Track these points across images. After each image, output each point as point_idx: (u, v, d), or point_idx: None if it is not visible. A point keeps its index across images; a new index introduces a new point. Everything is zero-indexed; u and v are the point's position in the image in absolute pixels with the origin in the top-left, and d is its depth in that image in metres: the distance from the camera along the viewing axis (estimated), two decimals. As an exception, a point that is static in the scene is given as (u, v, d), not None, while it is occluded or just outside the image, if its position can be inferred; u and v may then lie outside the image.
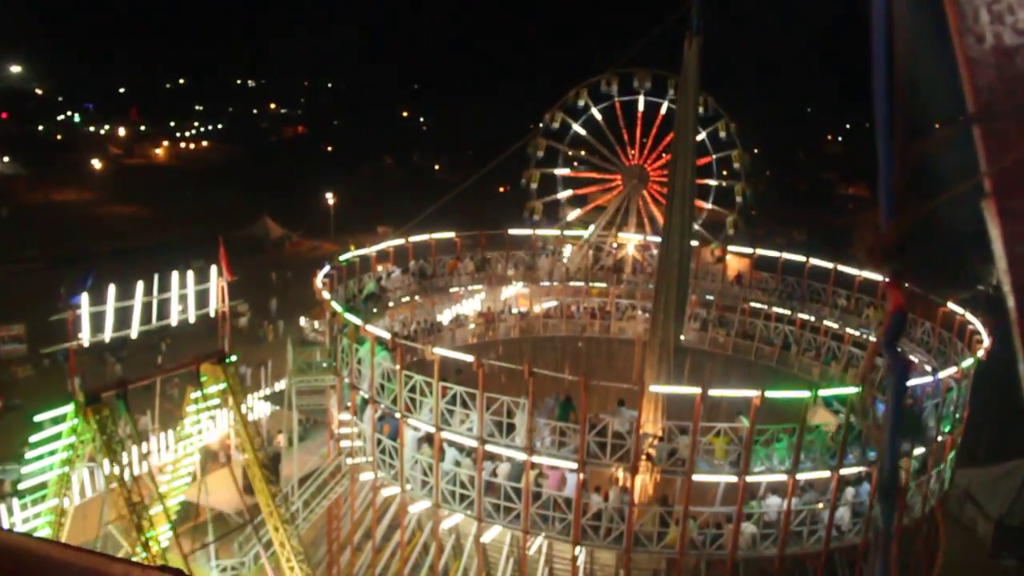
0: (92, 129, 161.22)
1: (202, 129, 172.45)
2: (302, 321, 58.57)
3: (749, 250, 40.03)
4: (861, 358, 35.14)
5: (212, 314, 24.59)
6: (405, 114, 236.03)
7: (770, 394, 20.92)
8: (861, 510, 23.06)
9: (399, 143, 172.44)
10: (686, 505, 21.42)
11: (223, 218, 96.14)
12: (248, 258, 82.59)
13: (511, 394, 38.35)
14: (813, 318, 37.22)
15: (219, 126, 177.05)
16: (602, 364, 40.63)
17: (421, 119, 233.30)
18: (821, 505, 22.39)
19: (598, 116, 63.55)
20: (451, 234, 40.31)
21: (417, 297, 36.32)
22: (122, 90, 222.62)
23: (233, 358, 20.79)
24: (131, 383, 19.93)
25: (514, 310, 40.03)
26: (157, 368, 19.96)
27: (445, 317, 38.82)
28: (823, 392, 21.27)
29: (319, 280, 29.62)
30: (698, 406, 20.69)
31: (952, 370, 24.24)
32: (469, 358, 21.91)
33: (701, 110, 63.99)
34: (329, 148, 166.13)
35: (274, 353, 56.78)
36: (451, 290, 38.20)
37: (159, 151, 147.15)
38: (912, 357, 32.71)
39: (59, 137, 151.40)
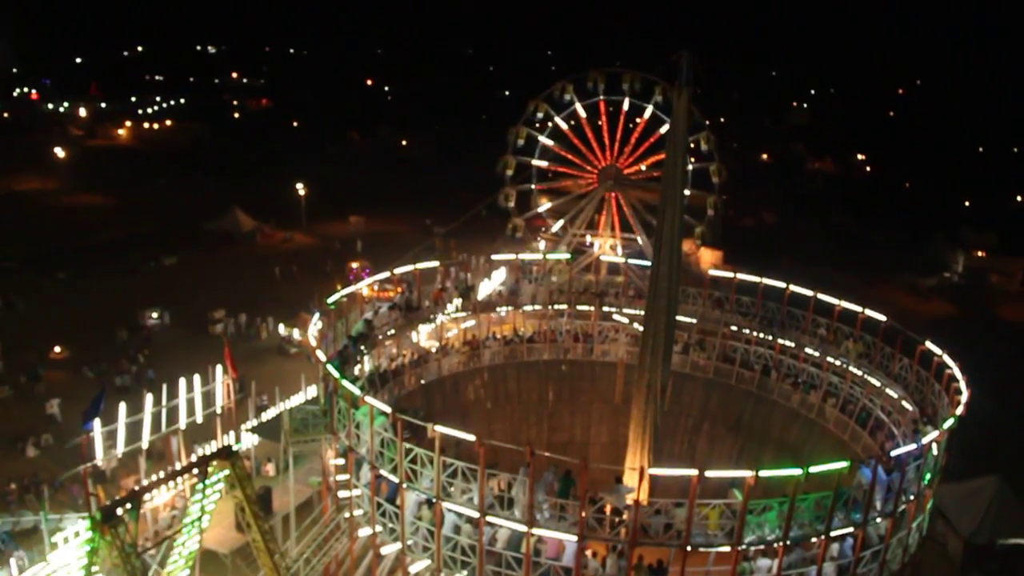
0: (51, 107, 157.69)
1: (164, 104, 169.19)
2: (281, 330, 58.43)
3: (730, 274, 40.47)
4: (840, 387, 36.08)
5: (219, 411, 24.53)
6: (369, 82, 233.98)
7: (764, 473, 21.57)
8: (845, 564, 23.99)
9: (365, 116, 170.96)
10: (682, 572, 22.18)
11: (192, 208, 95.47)
12: (220, 252, 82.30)
13: (502, 419, 39.25)
14: (793, 344, 38.01)
15: (181, 100, 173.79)
16: (585, 386, 41.42)
17: (386, 88, 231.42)
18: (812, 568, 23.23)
19: (582, 113, 64.01)
20: (435, 263, 40.42)
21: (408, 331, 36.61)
22: (79, 60, 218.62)
23: (237, 446, 20.98)
24: (144, 491, 20.13)
25: (497, 335, 40.37)
26: (168, 473, 20.08)
27: (422, 337, 39.31)
28: (814, 469, 21.95)
29: (312, 333, 29.80)
30: (694, 485, 21.30)
31: (935, 434, 25.09)
32: (471, 437, 22.27)
33: (660, 98, 64.48)
34: (295, 123, 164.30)
35: (261, 359, 56.91)
36: (437, 319, 38.35)
37: (122, 132, 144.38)
38: (890, 392, 33.63)
39: (6, 115, 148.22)
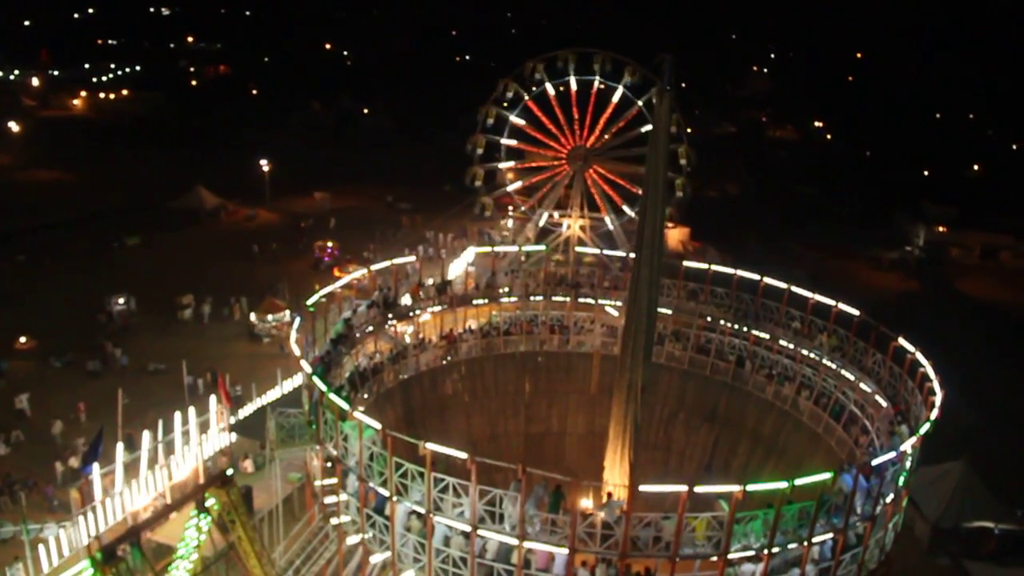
0: (0, 75, 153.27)
1: (119, 72, 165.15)
2: (252, 317, 57.92)
3: (704, 266, 40.79)
4: (813, 379, 36.68)
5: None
6: (328, 46, 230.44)
7: (752, 488, 22.02)
8: (825, 567, 24.65)
9: (326, 83, 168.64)
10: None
11: (153, 184, 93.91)
12: (184, 231, 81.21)
13: (480, 412, 39.41)
14: (768, 336, 38.50)
15: (137, 68, 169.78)
16: (562, 377, 41.69)
17: (345, 52, 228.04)
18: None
19: (551, 92, 63.82)
20: (412, 258, 40.24)
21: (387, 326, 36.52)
22: (27, 23, 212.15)
23: (231, 472, 20.92)
24: (144, 528, 20.00)
25: (472, 327, 40.36)
26: (166, 506, 19.97)
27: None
28: (800, 481, 22.43)
29: (294, 340, 29.63)
30: (683, 500, 21.70)
31: (912, 440, 25.71)
32: (463, 455, 22.39)
33: (630, 79, 64.79)
34: (254, 92, 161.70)
35: (231, 344, 56.42)
36: (414, 314, 38.29)
37: (77, 102, 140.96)
38: (863, 386, 34.28)
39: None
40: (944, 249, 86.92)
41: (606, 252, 44.49)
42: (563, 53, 62.82)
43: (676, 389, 40.49)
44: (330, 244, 72.37)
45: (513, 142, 67.51)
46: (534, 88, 64.00)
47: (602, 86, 63.17)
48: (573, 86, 64.16)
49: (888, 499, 25.85)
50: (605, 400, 41.01)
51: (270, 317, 57.32)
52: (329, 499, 27.89)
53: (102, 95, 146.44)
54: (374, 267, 37.37)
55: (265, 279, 66.54)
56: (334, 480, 27.12)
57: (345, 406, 24.46)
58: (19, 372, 50.92)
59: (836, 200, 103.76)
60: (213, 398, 27.13)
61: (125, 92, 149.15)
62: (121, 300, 60.27)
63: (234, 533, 20.48)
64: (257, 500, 35.85)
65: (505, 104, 64.80)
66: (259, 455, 39.62)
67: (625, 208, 64.69)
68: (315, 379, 25.87)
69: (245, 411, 40.75)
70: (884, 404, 32.70)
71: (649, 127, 62.80)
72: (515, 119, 65.33)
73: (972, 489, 40.19)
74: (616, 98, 61.35)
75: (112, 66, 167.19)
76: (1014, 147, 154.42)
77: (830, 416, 35.06)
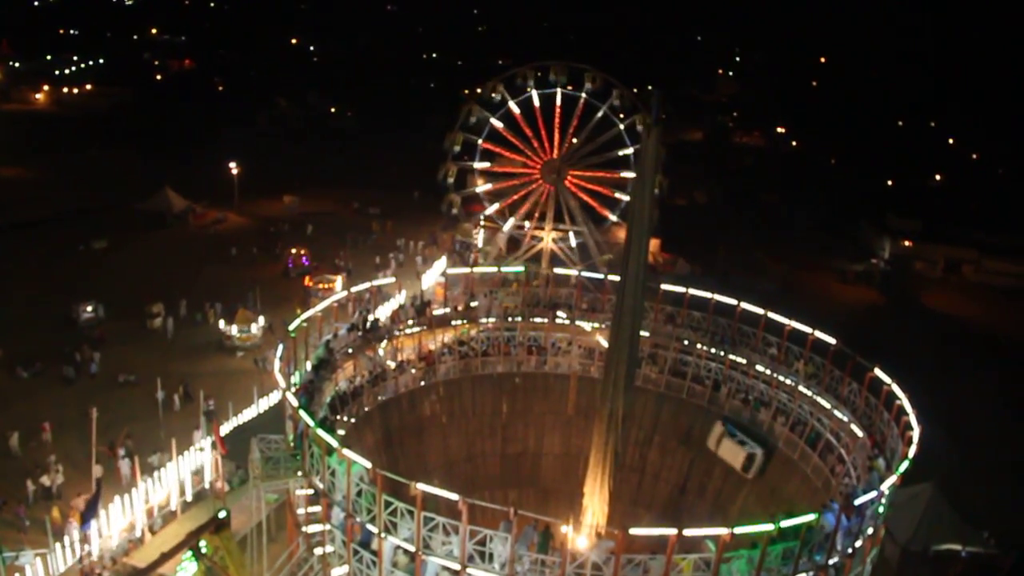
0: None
1: (82, 65, 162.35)
2: (221, 325, 57.28)
3: (682, 289, 41.09)
4: (789, 405, 37.16)
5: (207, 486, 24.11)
6: (294, 41, 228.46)
7: (739, 530, 22.33)
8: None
9: (293, 79, 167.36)
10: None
11: (119, 183, 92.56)
12: (152, 234, 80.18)
13: (457, 433, 39.39)
14: (745, 360, 38.93)
15: (100, 61, 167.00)
16: (538, 398, 41.86)
17: (311, 47, 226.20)
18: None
19: (536, 102, 63.93)
20: (392, 279, 40.11)
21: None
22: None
23: (223, 513, 20.81)
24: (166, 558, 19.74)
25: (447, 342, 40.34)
26: (161, 555, 19.74)
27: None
28: (786, 523, 22.80)
29: (277, 369, 29.46)
30: (672, 543, 21.96)
31: (893, 479, 26.27)
32: (455, 496, 22.43)
33: (617, 102, 65.45)
34: (220, 87, 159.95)
35: (201, 356, 55.72)
36: (396, 335, 38.21)
37: (39, 96, 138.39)
38: (838, 414, 34.82)
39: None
40: (909, 262, 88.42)
41: (584, 274, 44.54)
42: (554, 66, 63.13)
43: (651, 411, 40.83)
44: (302, 252, 71.77)
45: (488, 146, 67.54)
46: (505, 100, 64.06)
47: (565, 96, 63.52)
48: (556, 100, 64.39)
49: (867, 533, 26.42)
50: (581, 421, 41.53)
51: (235, 330, 56.41)
52: (312, 528, 27.87)
53: (65, 90, 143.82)
54: (354, 289, 37.23)
55: (235, 286, 65.97)
56: (317, 508, 27.10)
57: (334, 443, 24.38)
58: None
59: (801, 209, 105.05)
60: (208, 441, 26.38)
61: (89, 87, 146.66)
62: (89, 308, 59.07)
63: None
64: (235, 521, 35.54)
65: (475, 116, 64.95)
66: (234, 475, 39.36)
67: (609, 214, 65.37)
68: (302, 413, 25.75)
69: (222, 430, 40.22)
70: (860, 434, 33.24)
71: (604, 108, 63.79)
72: (496, 122, 65.37)
73: (940, 512, 40.86)
74: (600, 115, 61.81)
75: (75, 58, 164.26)
76: (974, 156, 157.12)
77: (805, 443, 35.58)
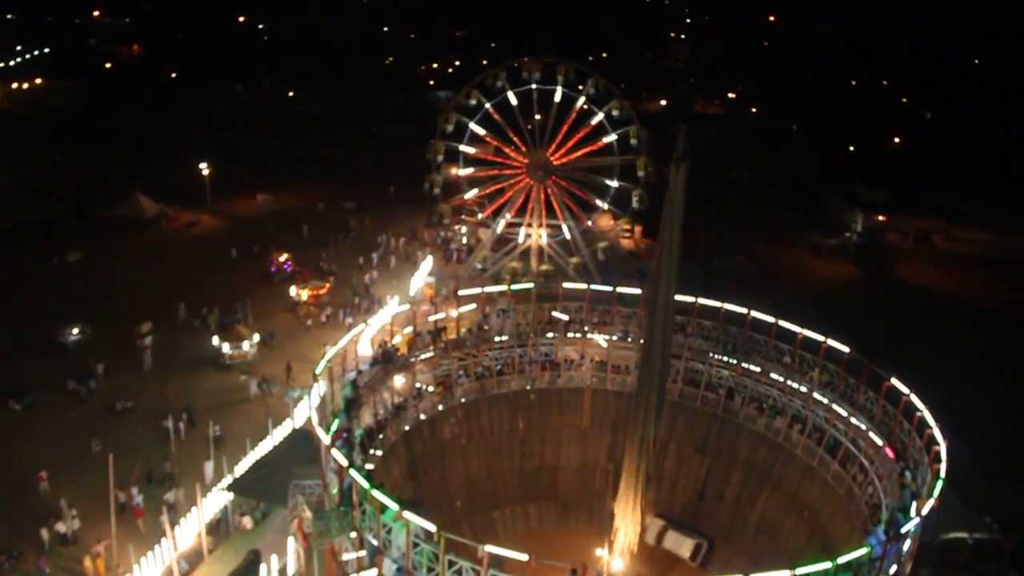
0: None
1: (27, 56, 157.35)
2: (214, 341, 56.56)
3: (691, 299, 41.34)
4: (805, 412, 37.83)
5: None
6: (242, 19, 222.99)
7: (800, 571, 22.90)
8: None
9: (245, 62, 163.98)
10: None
11: (85, 186, 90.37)
12: (127, 242, 78.61)
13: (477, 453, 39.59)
14: (759, 369, 39.50)
15: (46, 50, 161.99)
16: (554, 412, 42.23)
17: (260, 26, 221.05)
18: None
19: (514, 101, 63.88)
20: (406, 306, 40.00)
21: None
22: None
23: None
24: None
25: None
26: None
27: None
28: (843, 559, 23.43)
29: (316, 422, 29.30)
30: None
31: (931, 502, 27.12)
32: (524, 557, 22.67)
33: (592, 91, 65.85)
34: (173, 75, 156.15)
35: (196, 374, 55.08)
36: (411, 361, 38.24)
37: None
38: (855, 422, 35.58)
39: None
40: (882, 234, 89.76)
41: (593, 287, 44.71)
42: (527, 63, 63.14)
43: (667, 420, 41.02)
44: (285, 258, 70.77)
45: (472, 150, 67.50)
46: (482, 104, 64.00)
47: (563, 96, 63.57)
48: (532, 96, 64.32)
49: (907, 550, 27.33)
50: (597, 432, 42.17)
51: (226, 348, 55.74)
52: (362, 576, 27.91)
53: (15, 85, 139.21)
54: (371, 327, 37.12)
55: (222, 291, 65.31)
56: (363, 554, 27.06)
57: (394, 506, 24.34)
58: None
59: (773, 184, 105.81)
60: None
61: (39, 81, 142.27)
62: (75, 330, 57.59)
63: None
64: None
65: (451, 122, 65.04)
66: (256, 511, 39.27)
67: (598, 202, 65.85)
68: (355, 475, 25.60)
69: (241, 468, 40.02)
70: (879, 442, 34.06)
71: (600, 116, 64.11)
72: (476, 127, 65.29)
73: (947, 501, 41.99)
74: (579, 105, 62.05)
75: (19, 48, 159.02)
76: (928, 116, 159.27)
77: (824, 451, 36.32)
